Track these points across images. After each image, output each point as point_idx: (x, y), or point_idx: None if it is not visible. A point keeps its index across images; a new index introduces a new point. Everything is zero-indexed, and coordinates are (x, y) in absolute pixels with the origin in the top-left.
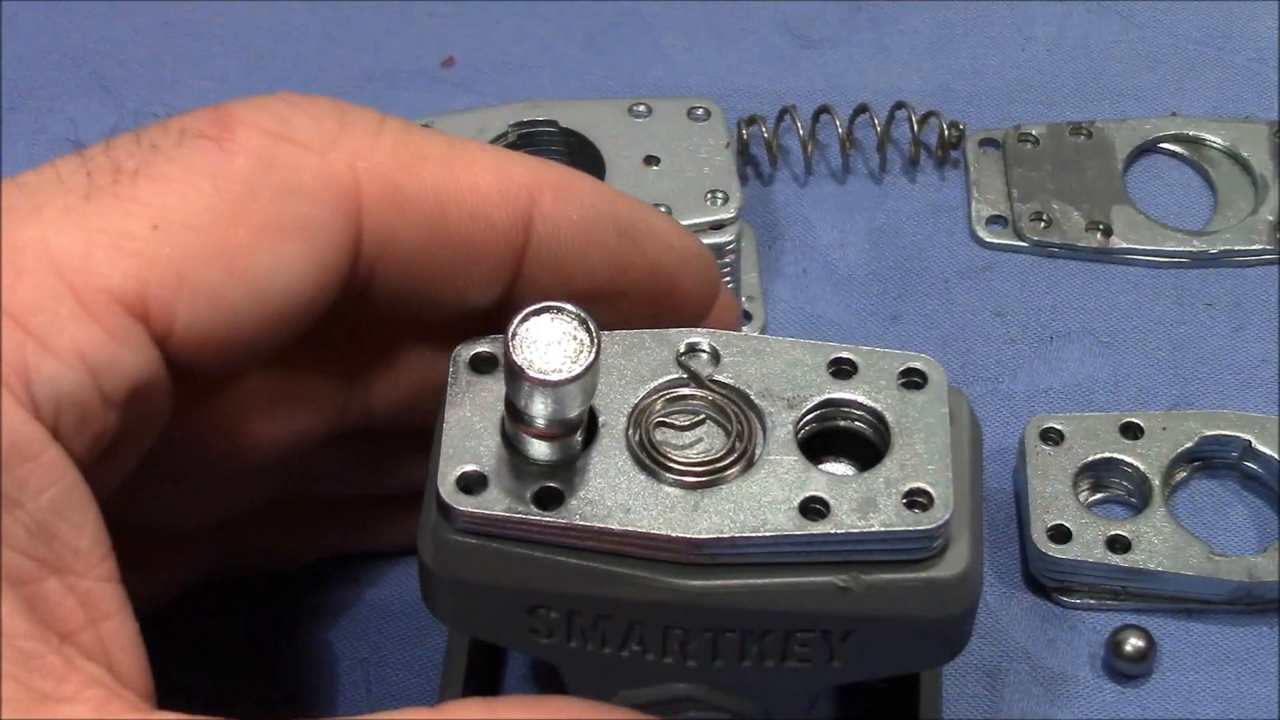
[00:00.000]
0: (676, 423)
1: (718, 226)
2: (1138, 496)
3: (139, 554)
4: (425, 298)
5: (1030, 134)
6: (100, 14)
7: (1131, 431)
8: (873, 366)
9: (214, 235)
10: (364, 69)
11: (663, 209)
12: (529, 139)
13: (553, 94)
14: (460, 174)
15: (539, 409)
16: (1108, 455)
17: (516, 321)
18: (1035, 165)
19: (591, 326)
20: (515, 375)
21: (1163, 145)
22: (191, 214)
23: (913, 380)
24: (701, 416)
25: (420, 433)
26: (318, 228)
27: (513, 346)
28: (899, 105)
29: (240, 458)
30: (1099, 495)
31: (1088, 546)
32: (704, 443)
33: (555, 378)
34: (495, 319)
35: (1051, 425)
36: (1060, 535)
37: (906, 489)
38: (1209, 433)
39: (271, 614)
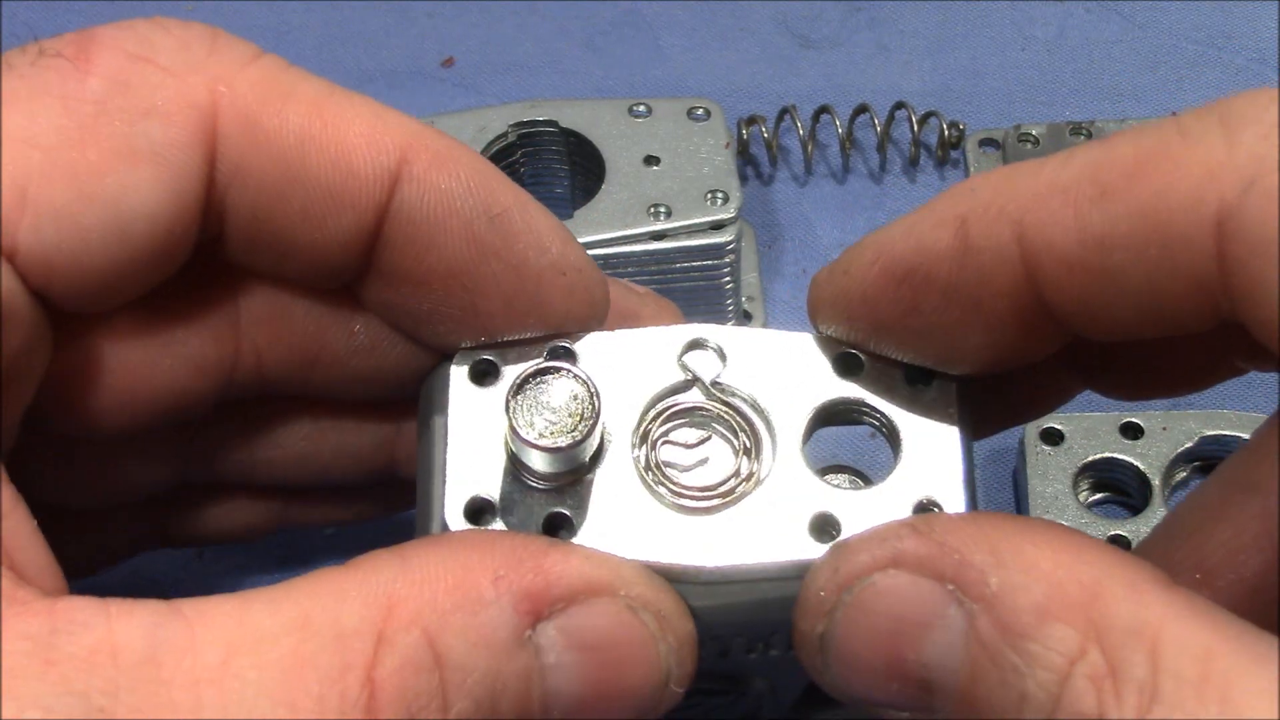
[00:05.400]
0: (683, 440)
1: (718, 226)
2: (1138, 496)
3: (61, 530)
4: (280, 242)
5: (1030, 134)
6: (100, 14)
7: (1131, 431)
8: (878, 362)
9: (61, 155)
10: (364, 69)
11: (663, 209)
12: (529, 139)
13: (553, 94)
14: (329, 119)
15: (544, 466)
16: (1108, 455)
17: (515, 385)
18: None
19: (591, 385)
20: (519, 439)
21: None
22: (37, 133)
23: (920, 374)
24: (708, 435)
25: (321, 399)
26: (172, 151)
27: (513, 409)
28: (899, 105)
29: (126, 415)
30: (1099, 495)
31: None
32: (712, 461)
33: (561, 443)
34: (360, 288)
35: (1051, 425)
36: None
37: (916, 501)
38: (1209, 433)
39: None
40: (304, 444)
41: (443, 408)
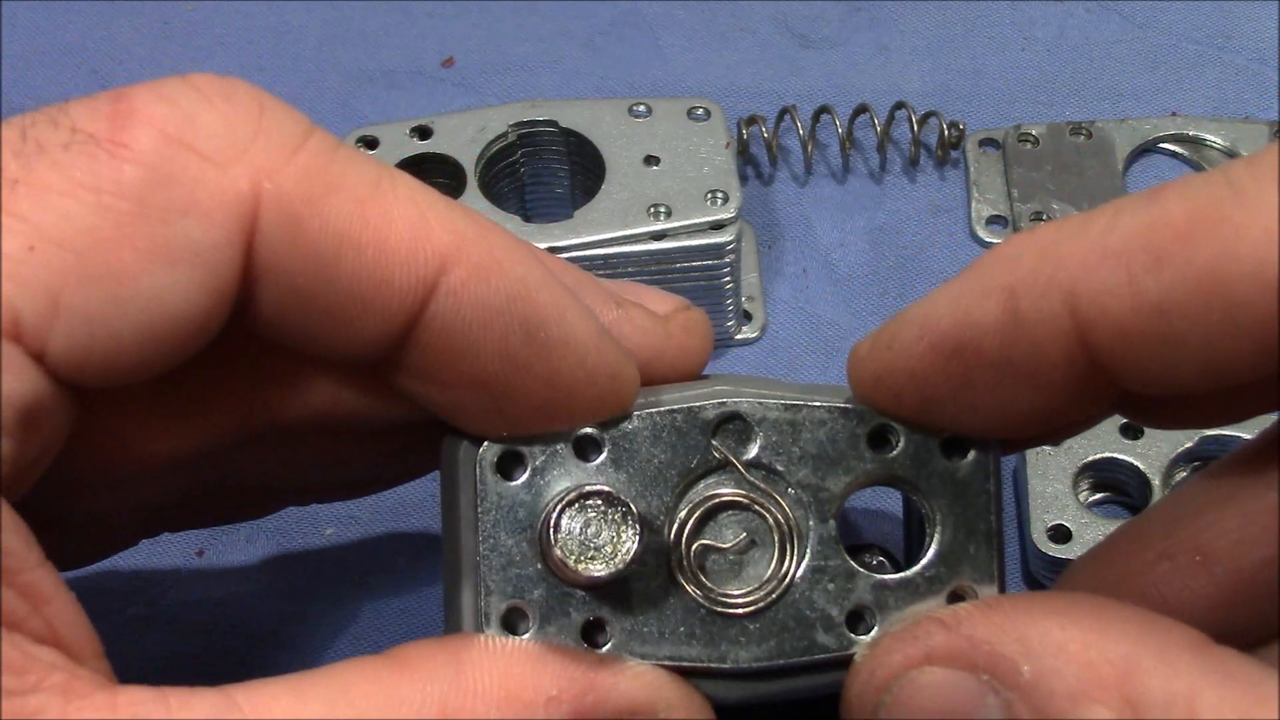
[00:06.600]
0: (720, 543)
1: (718, 226)
2: (1138, 496)
3: (61, 533)
4: (304, 334)
5: (1030, 134)
6: (100, 14)
7: (1131, 431)
8: (914, 435)
9: (94, 257)
10: (364, 69)
11: (663, 209)
12: (529, 139)
13: (553, 94)
14: (372, 220)
15: (583, 584)
16: (1108, 455)
17: (553, 513)
18: (1035, 165)
19: (632, 511)
20: (560, 566)
21: (1162, 145)
22: (71, 234)
23: (956, 447)
24: (744, 536)
25: (337, 433)
26: (210, 252)
27: (553, 534)
28: (899, 105)
29: (139, 465)
30: (1099, 495)
31: (1088, 546)
32: (749, 562)
33: (601, 573)
34: (386, 372)
35: None
36: (1060, 535)
37: (950, 589)
38: (1209, 433)
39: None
40: (320, 460)
41: (468, 498)
